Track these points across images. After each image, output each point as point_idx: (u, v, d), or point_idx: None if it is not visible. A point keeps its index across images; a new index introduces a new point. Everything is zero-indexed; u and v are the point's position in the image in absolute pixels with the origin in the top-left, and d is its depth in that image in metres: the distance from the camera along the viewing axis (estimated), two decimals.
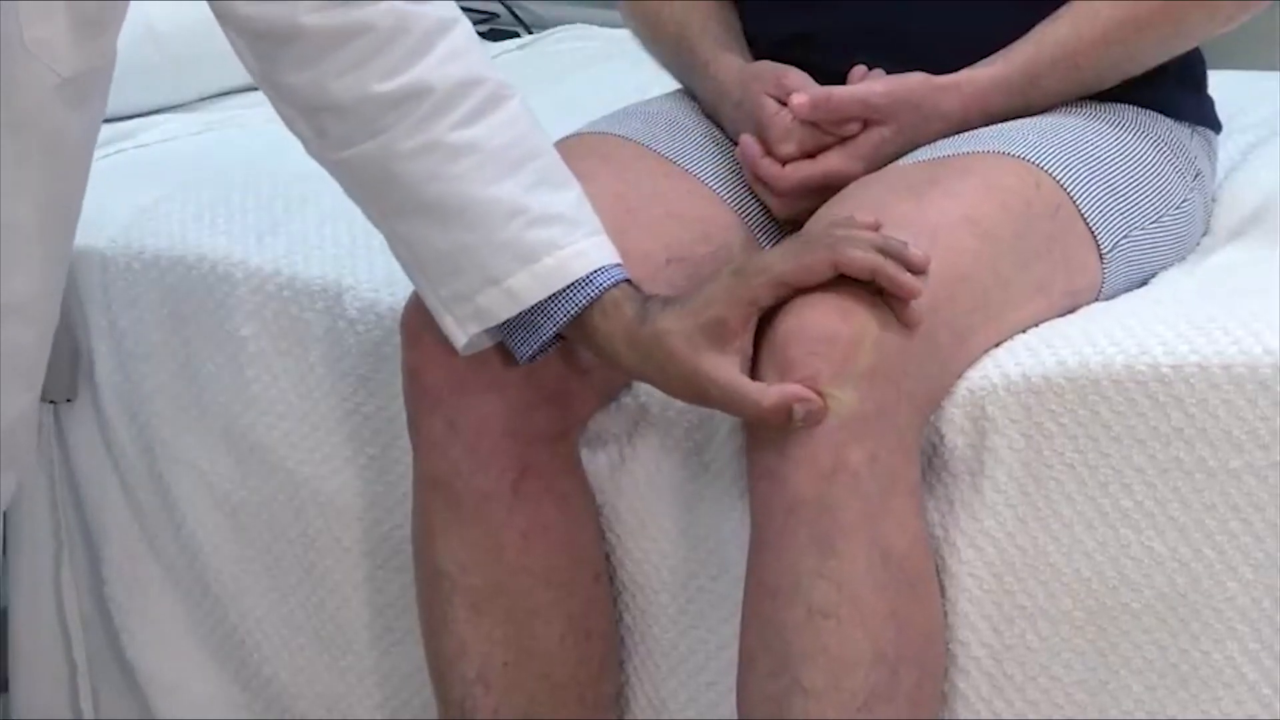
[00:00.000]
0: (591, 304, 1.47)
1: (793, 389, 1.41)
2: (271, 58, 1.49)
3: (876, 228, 1.47)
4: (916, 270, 1.44)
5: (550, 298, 1.47)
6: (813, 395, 1.41)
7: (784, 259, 1.45)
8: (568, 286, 1.47)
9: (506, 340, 1.51)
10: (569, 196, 1.50)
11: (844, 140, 1.65)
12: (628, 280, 1.48)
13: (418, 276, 1.53)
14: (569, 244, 1.47)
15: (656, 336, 1.45)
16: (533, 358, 1.51)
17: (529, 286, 1.47)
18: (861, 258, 1.42)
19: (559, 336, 1.50)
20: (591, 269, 1.47)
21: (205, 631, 1.91)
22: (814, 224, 1.56)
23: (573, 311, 1.47)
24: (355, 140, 1.49)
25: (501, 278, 1.47)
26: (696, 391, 1.45)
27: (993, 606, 1.52)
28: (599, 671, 1.61)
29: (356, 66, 1.47)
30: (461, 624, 1.57)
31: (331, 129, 1.50)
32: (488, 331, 1.50)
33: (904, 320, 1.44)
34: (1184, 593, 1.49)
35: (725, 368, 1.43)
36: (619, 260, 1.49)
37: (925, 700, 1.48)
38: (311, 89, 1.49)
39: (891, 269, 1.42)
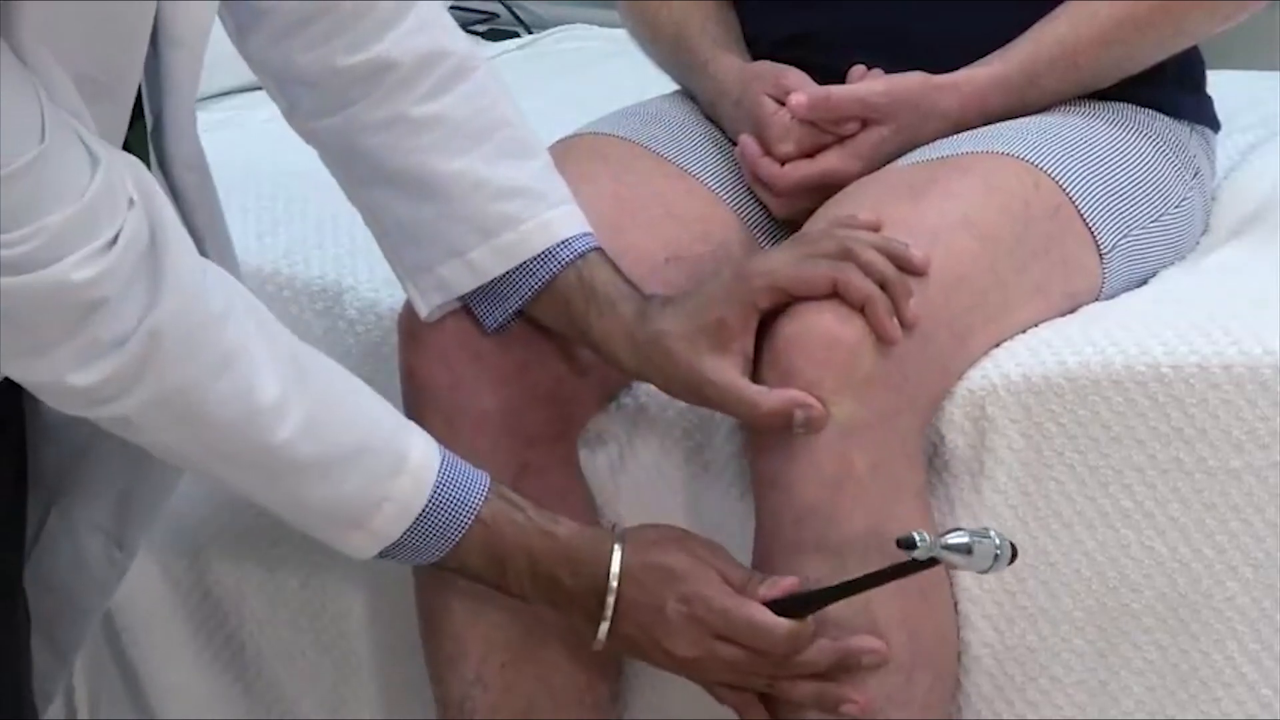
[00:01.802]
0: (568, 285, 1.47)
1: (793, 394, 1.42)
2: (246, 31, 1.51)
3: (878, 227, 1.47)
4: (916, 272, 1.45)
5: (515, 269, 1.48)
6: (813, 401, 1.41)
7: (785, 265, 1.45)
8: (532, 259, 1.48)
9: (474, 308, 1.52)
10: (534, 167, 1.51)
11: (842, 139, 1.65)
12: (598, 249, 1.49)
13: (384, 245, 1.55)
14: (531, 217, 1.48)
15: (656, 337, 1.45)
16: (499, 328, 1.51)
17: (490, 260, 1.49)
18: (859, 286, 1.43)
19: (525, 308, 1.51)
20: (554, 241, 1.48)
21: (206, 633, 1.91)
22: (814, 224, 1.56)
23: (537, 285, 1.48)
24: (324, 112, 1.51)
25: (463, 250, 1.49)
26: (696, 393, 1.46)
27: (993, 607, 1.52)
28: (597, 673, 1.61)
29: (321, 43, 1.48)
30: (460, 624, 1.57)
31: (302, 100, 1.52)
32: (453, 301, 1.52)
33: (901, 323, 1.44)
34: (1184, 593, 1.49)
35: (725, 369, 1.44)
36: (587, 229, 1.50)
37: (938, 701, 1.49)
38: (281, 63, 1.51)
39: (882, 311, 1.42)
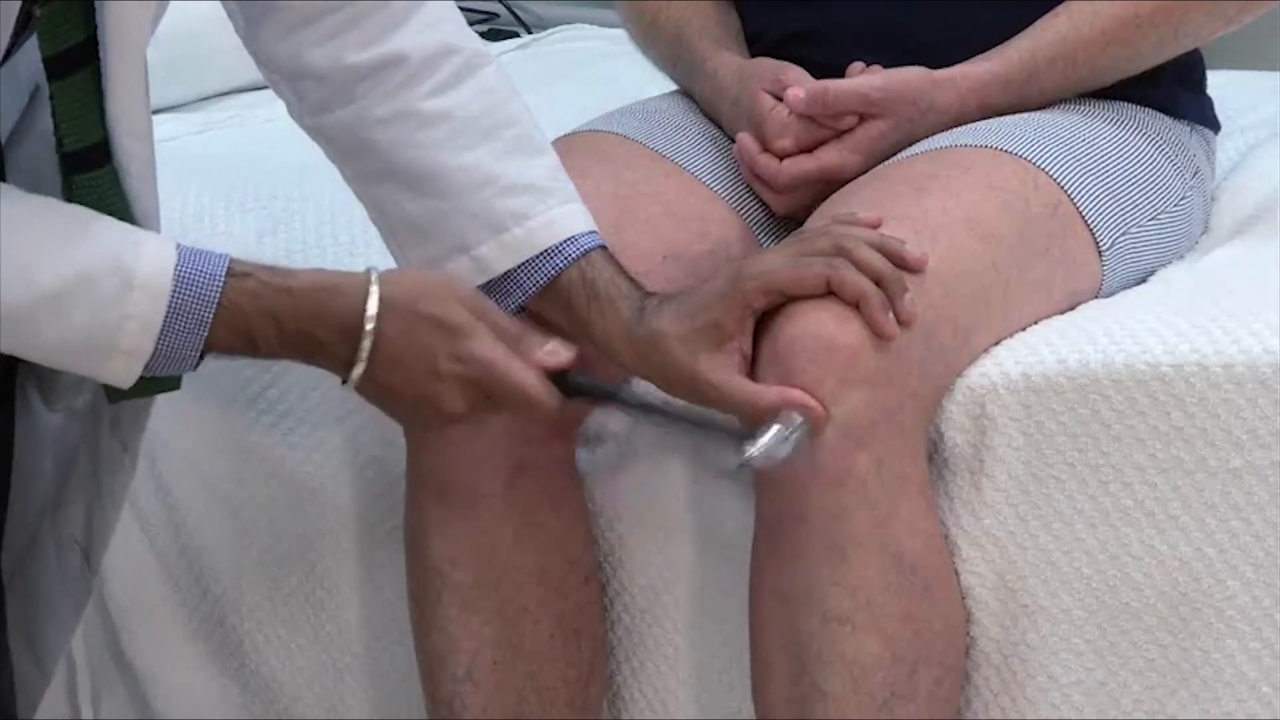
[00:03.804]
0: (570, 282, 1.47)
1: (792, 392, 1.41)
2: (257, 24, 1.51)
3: (877, 225, 1.47)
4: (913, 270, 1.45)
5: (520, 266, 1.48)
6: (811, 401, 1.41)
7: (780, 266, 1.45)
8: (539, 256, 1.48)
9: None
10: (542, 165, 1.51)
11: (840, 135, 1.65)
12: (603, 247, 1.49)
13: (390, 241, 1.54)
14: (538, 214, 1.48)
15: (653, 338, 1.45)
16: None
17: (498, 256, 1.49)
18: (854, 282, 1.42)
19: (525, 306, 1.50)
20: (560, 239, 1.48)
21: (205, 632, 1.91)
22: (815, 222, 1.56)
23: (541, 281, 1.48)
24: (332, 106, 1.51)
25: (471, 246, 1.49)
26: (695, 392, 1.46)
27: (995, 604, 1.52)
28: (587, 673, 1.61)
29: (332, 37, 1.49)
30: (451, 621, 1.57)
31: (310, 95, 1.52)
32: None
33: (897, 319, 1.43)
34: (1184, 591, 1.49)
35: (722, 369, 1.43)
36: (593, 228, 1.50)
37: (945, 696, 1.49)
38: (290, 57, 1.51)
39: (877, 307, 1.42)
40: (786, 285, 1.44)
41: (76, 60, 1.36)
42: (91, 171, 1.39)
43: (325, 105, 1.51)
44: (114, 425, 1.53)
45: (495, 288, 1.50)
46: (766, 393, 1.42)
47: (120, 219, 1.38)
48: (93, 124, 1.38)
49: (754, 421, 1.44)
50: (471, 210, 1.48)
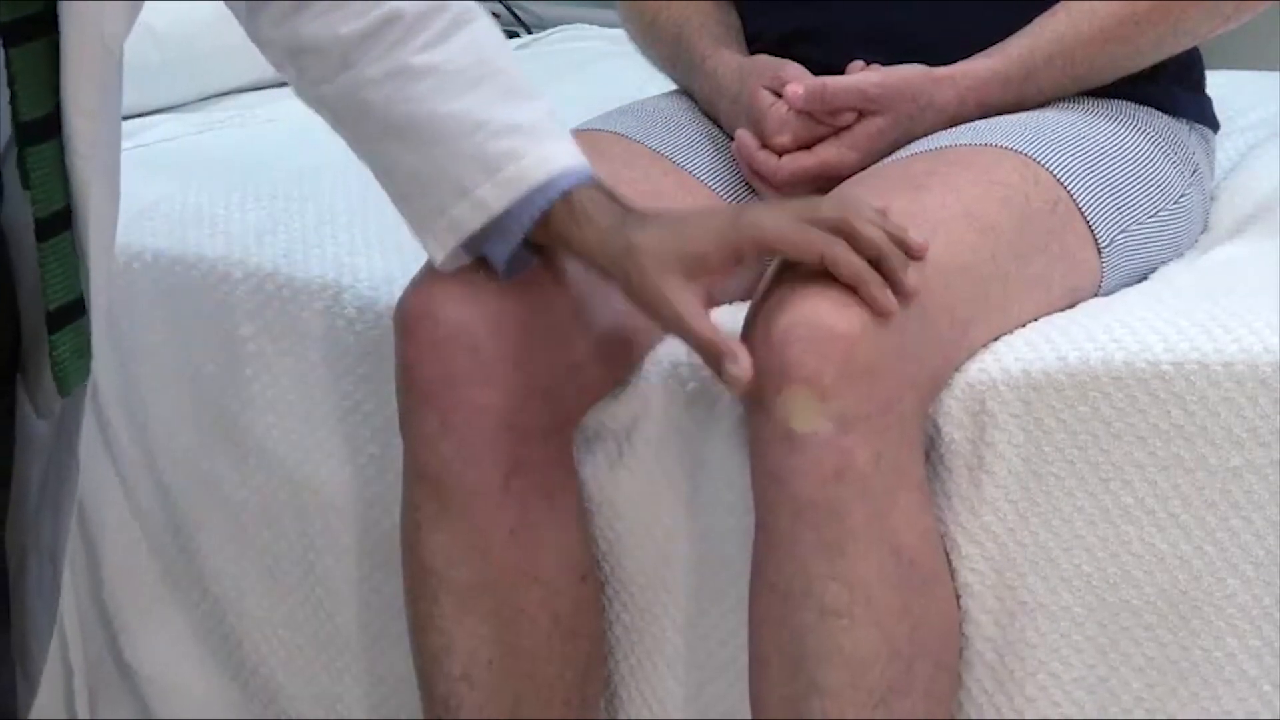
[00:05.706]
0: (554, 205, 1.48)
1: (734, 345, 1.40)
2: (254, 16, 1.54)
3: (883, 215, 1.47)
4: (914, 256, 1.44)
5: (519, 203, 1.49)
6: (745, 363, 1.40)
7: (780, 224, 1.43)
8: (533, 191, 1.49)
9: (488, 254, 1.53)
10: (533, 107, 1.53)
11: (839, 131, 1.65)
12: (594, 181, 1.49)
13: (396, 198, 1.56)
14: (530, 151, 1.50)
15: (629, 249, 1.45)
16: (509, 271, 1.52)
17: (495, 195, 1.50)
18: (849, 262, 1.41)
19: (536, 248, 1.52)
20: (553, 173, 1.49)
21: (204, 632, 1.91)
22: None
23: (534, 215, 1.49)
24: (331, 75, 1.53)
25: (470, 189, 1.50)
26: (654, 310, 1.45)
27: (994, 602, 1.52)
28: (584, 672, 1.61)
29: (325, 14, 1.51)
30: (447, 620, 1.57)
31: (311, 68, 1.54)
32: (466, 250, 1.53)
33: (897, 293, 1.42)
34: (1184, 590, 1.49)
35: (685, 296, 1.43)
36: (586, 163, 1.51)
37: (941, 692, 1.48)
38: (289, 36, 1.53)
39: (874, 286, 1.41)
40: (779, 243, 1.43)
41: (33, 30, 1.36)
42: (40, 145, 1.39)
43: (324, 75, 1.53)
44: (68, 430, 1.53)
45: (497, 228, 1.50)
46: (715, 334, 1.41)
47: (63, 195, 1.38)
48: (45, 95, 1.38)
49: (707, 359, 1.43)
50: (467, 153, 1.50)
